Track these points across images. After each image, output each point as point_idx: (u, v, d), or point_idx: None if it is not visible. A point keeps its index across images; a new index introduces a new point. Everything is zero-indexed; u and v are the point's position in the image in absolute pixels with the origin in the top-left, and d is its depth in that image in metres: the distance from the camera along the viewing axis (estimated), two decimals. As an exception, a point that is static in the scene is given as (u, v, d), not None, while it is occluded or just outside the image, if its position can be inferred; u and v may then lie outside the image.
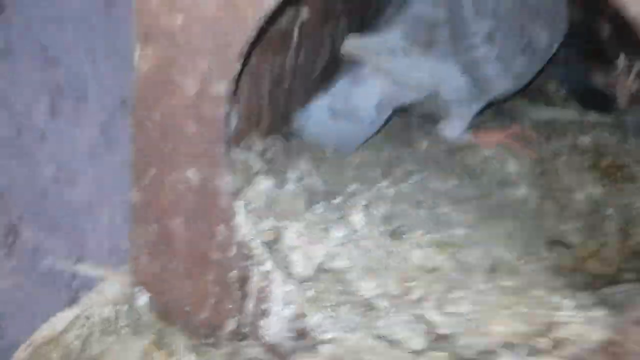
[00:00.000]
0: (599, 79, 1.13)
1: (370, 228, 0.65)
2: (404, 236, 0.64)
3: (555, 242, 0.73)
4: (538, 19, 0.79)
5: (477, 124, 0.91)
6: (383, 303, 0.61)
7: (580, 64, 1.09)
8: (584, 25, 1.07)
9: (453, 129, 0.87)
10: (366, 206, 0.67)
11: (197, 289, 0.64)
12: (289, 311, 0.62)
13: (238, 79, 0.55)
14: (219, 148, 0.57)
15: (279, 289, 0.61)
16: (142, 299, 0.67)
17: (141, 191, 0.62)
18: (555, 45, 0.84)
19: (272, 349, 0.64)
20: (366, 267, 0.62)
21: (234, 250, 0.61)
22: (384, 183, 0.72)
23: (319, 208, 0.66)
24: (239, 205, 0.60)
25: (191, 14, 0.52)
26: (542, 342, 0.55)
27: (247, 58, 0.57)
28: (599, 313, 0.55)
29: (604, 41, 1.08)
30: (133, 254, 0.66)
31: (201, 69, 0.54)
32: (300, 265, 0.62)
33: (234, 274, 0.62)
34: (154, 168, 0.61)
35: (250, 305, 0.62)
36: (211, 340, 0.65)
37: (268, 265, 0.61)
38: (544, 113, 1.06)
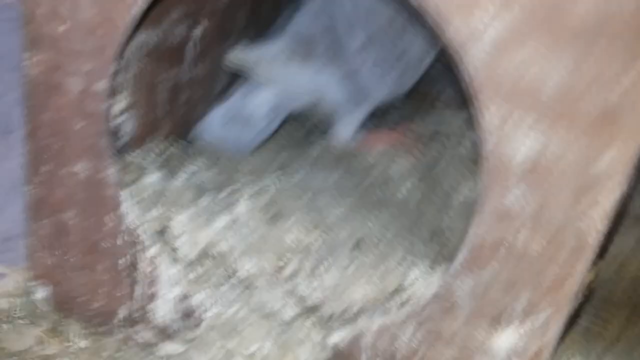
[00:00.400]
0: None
1: (251, 216, 0.72)
2: (280, 221, 0.71)
3: (434, 234, 0.80)
4: (410, 28, 0.89)
5: (367, 127, 1.00)
6: (259, 280, 0.68)
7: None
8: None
9: (343, 133, 0.95)
10: (249, 197, 0.74)
11: (91, 278, 0.69)
12: (174, 293, 0.68)
13: (115, 77, 0.62)
14: (103, 141, 0.64)
15: (165, 272, 0.67)
16: (41, 292, 0.72)
17: (35, 188, 0.68)
18: (433, 52, 0.93)
19: (161, 331, 0.69)
20: (245, 249, 0.69)
21: (122, 238, 0.67)
22: (269, 179, 0.79)
23: (205, 200, 0.72)
24: (125, 195, 0.66)
25: (72, 21, 0.59)
26: (392, 303, 0.63)
27: (122, 59, 0.64)
28: (437, 273, 0.63)
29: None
30: (31, 250, 0.71)
31: (83, 70, 0.61)
32: (185, 249, 0.68)
33: (123, 261, 0.68)
34: (46, 165, 0.66)
35: (139, 290, 0.68)
36: (104, 328, 0.70)
37: (154, 251, 0.67)
38: (431, 120, 1.14)
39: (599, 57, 0.47)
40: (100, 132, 0.63)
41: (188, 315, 0.68)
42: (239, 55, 0.85)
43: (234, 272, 0.68)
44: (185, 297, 0.67)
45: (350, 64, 0.87)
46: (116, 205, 0.66)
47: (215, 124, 0.88)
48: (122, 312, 0.68)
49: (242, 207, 0.73)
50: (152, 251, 0.67)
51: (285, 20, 0.89)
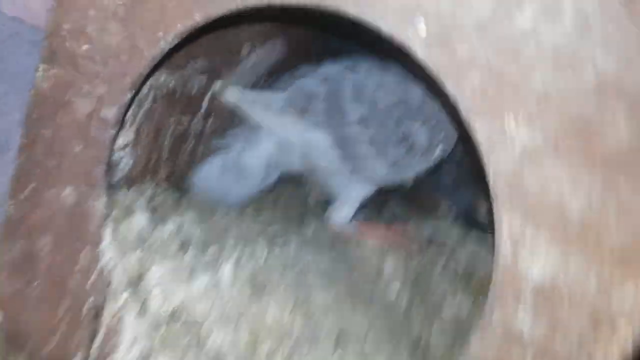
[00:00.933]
0: (482, 211, 1.21)
1: (235, 281, 0.67)
2: (265, 291, 0.67)
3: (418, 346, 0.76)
4: (417, 117, 0.87)
5: (365, 216, 0.97)
6: (228, 356, 0.62)
7: (467, 191, 1.17)
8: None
9: (340, 213, 0.92)
10: (235, 263, 0.69)
11: (50, 317, 0.63)
12: (135, 352, 0.62)
13: (126, 108, 0.59)
14: (99, 169, 0.60)
15: (130, 326, 0.62)
16: (-7, 318, 0.65)
17: (16, 205, 0.63)
18: (440, 149, 0.91)
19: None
20: (220, 319, 0.63)
21: (93, 278, 0.62)
22: (259, 248, 0.75)
23: (189, 256, 0.68)
24: (108, 232, 0.62)
25: (97, 42, 0.57)
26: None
27: (138, 92, 0.61)
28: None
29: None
30: (-5, 271, 0.65)
31: (96, 93, 0.58)
32: (156, 304, 0.63)
33: (89, 304, 0.62)
34: (33, 182, 0.62)
35: (98, 341, 0.62)
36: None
37: (123, 299, 0.62)
38: (428, 226, 1.12)
39: (629, 188, 0.45)
40: (99, 160, 0.60)
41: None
42: (236, 94, 0.84)
43: (203, 341, 0.62)
44: (145, 358, 0.61)
45: (346, 132, 0.85)
46: (96, 242, 0.61)
47: (212, 172, 0.86)
48: (76, 360, 0.62)
49: (226, 272, 0.68)
50: (121, 299, 0.61)
51: (293, 77, 0.89)
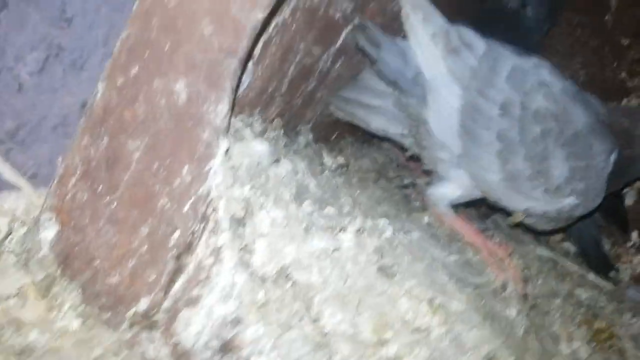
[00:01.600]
0: (606, 245, 1.05)
1: (358, 253, 0.51)
2: (395, 277, 0.50)
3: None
4: (565, 147, 0.72)
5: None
6: (344, 346, 0.46)
7: (593, 224, 1.02)
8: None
9: (439, 189, 0.77)
10: (359, 231, 0.53)
11: (125, 240, 0.48)
12: (224, 309, 0.46)
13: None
14: (230, 65, 0.45)
15: (225, 275, 0.46)
16: (49, 230, 0.50)
17: (109, 91, 0.48)
18: (571, 200, 0.74)
19: (181, 355, 0.47)
20: (339, 294, 0.47)
21: (188, 204, 0.46)
22: (383, 221, 0.59)
23: (307, 208, 0.52)
24: (221, 150, 0.46)
25: None
26: None
27: None
28: None
29: (624, 209, 1.02)
30: (62, 172, 0.50)
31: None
32: (263, 258, 0.47)
33: (178, 235, 0.46)
34: (137, 66, 0.47)
35: (180, 284, 0.47)
36: (110, 315, 0.48)
37: (224, 239, 0.46)
38: (546, 252, 0.96)
39: None
40: (232, 52, 0.45)
41: (227, 350, 0.46)
42: None
43: (315, 318, 0.46)
44: (236, 321, 0.45)
45: (479, 105, 0.72)
46: (205, 157, 0.46)
47: None
48: (143, 304, 0.46)
49: (349, 238, 0.52)
50: (222, 238, 0.46)
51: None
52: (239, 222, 0.48)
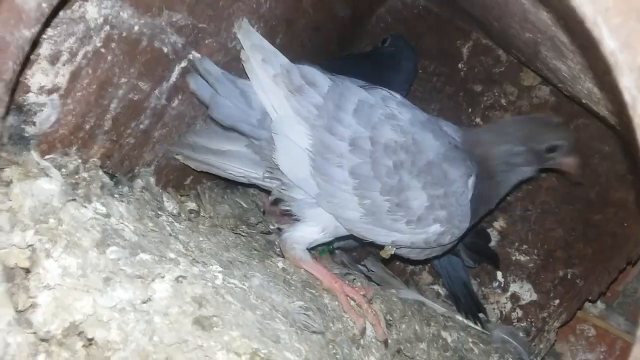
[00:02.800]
0: (474, 286, 1.05)
1: (173, 304, 0.44)
2: (215, 329, 0.44)
3: None
4: (420, 177, 0.72)
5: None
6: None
7: (461, 266, 1.02)
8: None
9: (297, 232, 0.74)
10: (178, 279, 0.47)
11: None
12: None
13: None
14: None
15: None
16: None
17: None
18: (435, 229, 0.74)
19: None
20: (142, 352, 0.40)
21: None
22: (215, 267, 0.53)
23: (116, 252, 0.45)
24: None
25: None
26: None
27: None
28: None
29: (488, 245, 1.03)
30: None
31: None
32: (45, 315, 0.39)
33: None
34: None
35: None
36: None
37: (-6, 296, 0.38)
38: (411, 294, 0.94)
39: None
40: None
41: None
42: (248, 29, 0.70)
43: (109, 383, 0.39)
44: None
45: (328, 142, 0.70)
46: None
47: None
48: None
49: (164, 288, 0.46)
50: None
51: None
52: (18, 274, 0.40)
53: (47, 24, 0.39)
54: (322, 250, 0.93)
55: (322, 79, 0.70)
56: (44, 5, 0.36)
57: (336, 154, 0.69)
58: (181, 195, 0.78)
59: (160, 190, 0.71)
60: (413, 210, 0.72)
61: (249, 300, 0.53)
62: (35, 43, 0.40)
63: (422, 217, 0.72)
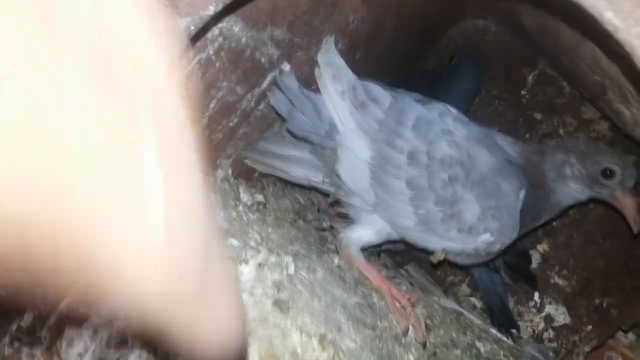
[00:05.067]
0: (510, 303, 1.10)
1: (255, 286, 0.52)
2: (290, 312, 0.51)
3: None
4: (473, 190, 0.76)
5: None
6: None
7: (499, 282, 1.07)
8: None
9: (352, 234, 0.80)
10: (261, 265, 0.55)
11: None
12: (109, 332, 0.46)
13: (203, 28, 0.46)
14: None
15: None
16: None
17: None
18: (485, 239, 0.77)
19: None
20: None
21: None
22: (288, 258, 0.61)
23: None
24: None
25: None
26: None
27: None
28: None
29: (528, 266, 1.08)
30: None
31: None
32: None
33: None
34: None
35: (67, 301, 0.46)
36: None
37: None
38: (451, 303, 1.00)
39: None
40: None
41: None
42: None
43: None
44: (121, 344, 0.45)
45: (388, 154, 0.76)
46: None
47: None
48: (26, 320, 0.45)
49: (249, 271, 0.53)
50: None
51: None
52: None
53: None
54: (371, 252, 1.00)
55: (383, 96, 0.75)
56: (192, 27, 0.44)
57: (394, 167, 0.74)
58: (251, 187, 0.86)
59: (236, 182, 0.78)
60: (465, 221, 0.76)
61: (315, 291, 0.60)
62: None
63: (474, 227, 0.77)
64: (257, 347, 0.47)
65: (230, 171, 0.77)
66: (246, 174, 0.84)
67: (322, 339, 0.51)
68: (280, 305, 0.52)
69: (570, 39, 0.75)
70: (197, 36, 0.54)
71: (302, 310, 0.53)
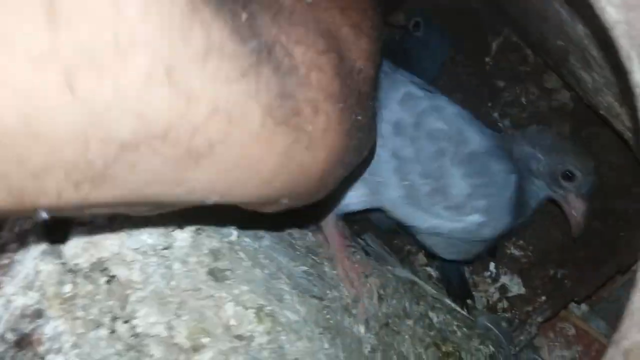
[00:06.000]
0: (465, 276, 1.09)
1: (190, 254, 0.48)
2: (226, 282, 0.48)
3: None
4: (461, 166, 0.73)
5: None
6: (156, 348, 0.43)
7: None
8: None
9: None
10: (197, 231, 0.51)
11: None
12: (24, 300, 0.41)
13: None
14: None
15: (28, 263, 0.42)
16: None
17: None
18: (475, 218, 0.76)
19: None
20: (159, 295, 0.44)
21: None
22: (231, 229, 0.57)
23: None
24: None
25: None
26: None
27: None
28: None
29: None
30: None
31: None
32: (75, 249, 0.43)
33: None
34: None
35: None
36: None
37: (29, 224, 0.42)
38: (406, 272, 0.98)
39: None
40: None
41: (23, 345, 0.41)
42: None
43: (127, 318, 0.43)
44: (35, 314, 0.41)
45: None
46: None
47: None
48: None
49: (184, 237, 0.49)
50: (29, 222, 0.42)
51: None
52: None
53: None
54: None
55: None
56: None
57: (380, 136, 0.71)
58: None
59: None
60: (452, 197, 0.74)
61: (258, 259, 0.56)
62: None
63: (461, 205, 0.74)
64: (186, 320, 0.44)
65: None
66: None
67: (259, 310, 0.48)
68: (215, 274, 0.48)
69: (537, 3, 0.72)
70: None
71: (241, 279, 0.50)
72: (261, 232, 0.65)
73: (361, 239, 1.05)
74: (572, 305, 1.12)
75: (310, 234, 0.82)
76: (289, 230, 0.75)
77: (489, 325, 0.99)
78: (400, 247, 1.15)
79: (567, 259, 1.05)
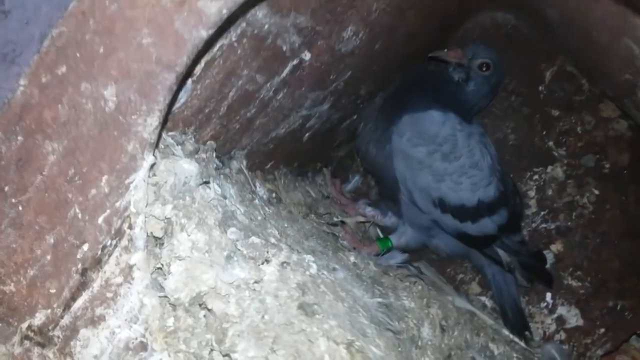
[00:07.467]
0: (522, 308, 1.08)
1: (279, 288, 0.49)
2: (316, 316, 0.48)
3: None
4: None
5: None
6: (255, 383, 0.43)
7: (513, 283, 1.04)
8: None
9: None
10: (283, 265, 0.51)
11: (24, 245, 0.44)
12: (128, 333, 0.42)
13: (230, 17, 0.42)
14: (167, 78, 0.43)
15: (133, 297, 0.43)
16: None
17: (30, 89, 0.45)
18: None
19: (72, 379, 0.43)
20: (255, 329, 0.45)
21: (101, 217, 0.43)
22: (309, 257, 0.57)
23: (235, 233, 0.50)
24: (144, 166, 0.44)
25: None
26: None
27: None
28: None
29: (543, 266, 1.06)
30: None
31: None
32: (176, 283, 0.44)
33: (84, 247, 0.43)
34: (65, 65, 0.44)
35: (80, 301, 0.43)
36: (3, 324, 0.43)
37: (135, 259, 0.43)
38: (464, 303, 0.97)
39: None
40: (170, 65, 0.43)
41: (126, 380, 0.42)
42: None
43: (226, 352, 0.43)
44: (139, 348, 0.42)
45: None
46: (128, 169, 0.43)
47: None
48: (39, 318, 0.42)
49: (272, 271, 0.50)
50: (135, 257, 0.43)
51: None
52: (156, 242, 0.45)
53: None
54: (383, 242, 0.97)
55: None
56: (224, 11, 0.41)
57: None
58: (265, 181, 0.82)
59: (252, 174, 0.75)
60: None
61: (338, 292, 0.57)
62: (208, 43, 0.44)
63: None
64: (283, 355, 0.44)
65: (244, 163, 0.74)
66: (260, 165, 0.82)
67: (349, 346, 0.48)
68: (305, 309, 0.49)
69: (601, 37, 0.72)
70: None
71: (328, 314, 0.50)
72: (332, 264, 0.66)
73: (414, 266, 1.05)
74: (633, 338, 1.09)
75: (371, 263, 0.83)
76: (354, 261, 0.76)
77: (556, 355, 0.97)
78: (452, 276, 1.14)
79: (626, 289, 1.03)
